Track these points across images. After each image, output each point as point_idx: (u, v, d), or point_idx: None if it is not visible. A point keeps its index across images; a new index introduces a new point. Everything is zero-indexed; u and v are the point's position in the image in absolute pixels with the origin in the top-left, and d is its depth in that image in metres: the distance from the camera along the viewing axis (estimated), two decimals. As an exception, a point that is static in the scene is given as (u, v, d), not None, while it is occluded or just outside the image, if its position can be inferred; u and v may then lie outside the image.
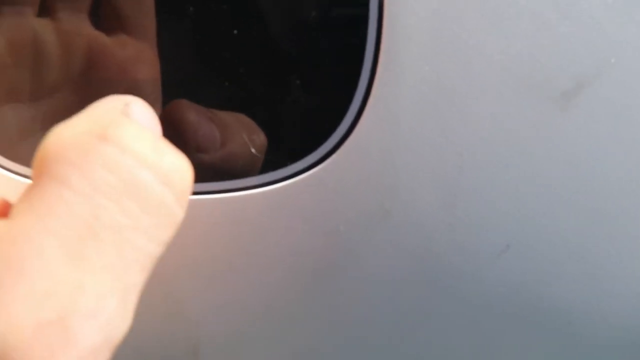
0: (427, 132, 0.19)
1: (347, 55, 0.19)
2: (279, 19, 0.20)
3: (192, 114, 0.20)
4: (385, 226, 0.20)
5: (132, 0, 0.21)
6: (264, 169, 0.20)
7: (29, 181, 0.22)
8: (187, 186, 0.15)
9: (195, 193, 0.21)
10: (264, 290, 0.22)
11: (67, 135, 0.15)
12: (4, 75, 0.22)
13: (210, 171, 0.21)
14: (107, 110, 0.16)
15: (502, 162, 0.19)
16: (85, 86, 0.22)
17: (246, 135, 0.21)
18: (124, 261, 0.14)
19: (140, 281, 0.15)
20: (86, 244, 0.14)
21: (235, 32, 0.20)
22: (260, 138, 0.21)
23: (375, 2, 0.18)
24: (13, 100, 0.22)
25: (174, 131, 0.20)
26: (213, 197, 0.21)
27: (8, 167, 0.22)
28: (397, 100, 0.19)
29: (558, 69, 0.18)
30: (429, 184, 0.19)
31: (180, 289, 0.22)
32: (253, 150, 0.20)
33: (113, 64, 0.21)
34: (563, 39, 0.18)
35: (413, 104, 0.19)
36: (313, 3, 0.19)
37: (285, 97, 0.20)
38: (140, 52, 0.21)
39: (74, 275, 0.13)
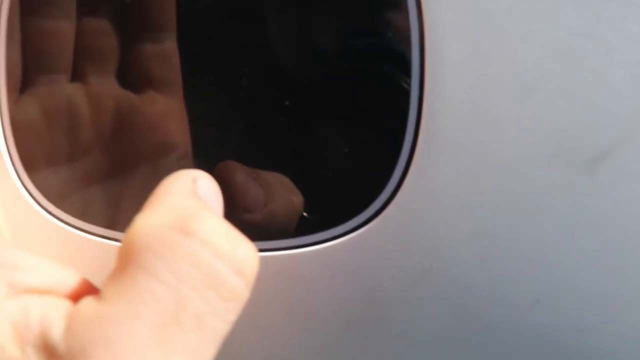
0: (464, 196, 0.20)
1: (390, 125, 0.21)
2: (323, 88, 0.22)
3: (240, 175, 0.22)
4: (425, 282, 0.22)
5: (159, 58, 0.23)
6: (312, 230, 0.22)
7: (72, 230, 0.24)
8: (255, 272, 0.17)
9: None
10: (308, 344, 0.23)
11: (152, 228, 0.16)
12: (43, 141, 0.24)
13: (252, 230, 0.22)
14: (182, 195, 0.18)
15: (533, 223, 0.21)
16: (118, 143, 0.23)
17: (287, 194, 0.22)
18: (202, 343, 0.16)
19: (213, 356, 0.16)
20: (171, 329, 0.15)
21: (286, 102, 0.21)
22: (299, 198, 0.22)
23: (417, 77, 0.20)
24: (52, 164, 0.24)
25: (223, 192, 0.22)
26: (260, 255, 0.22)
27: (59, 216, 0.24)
28: (437, 167, 0.20)
29: (585, 136, 0.20)
30: (466, 243, 0.21)
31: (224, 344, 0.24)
32: (305, 214, 0.22)
33: (143, 121, 0.23)
34: (590, 109, 0.20)
35: (452, 170, 0.20)
36: (356, 75, 0.21)
37: (332, 163, 0.21)
38: (168, 107, 0.23)
39: (160, 358, 0.15)
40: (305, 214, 0.22)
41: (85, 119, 0.23)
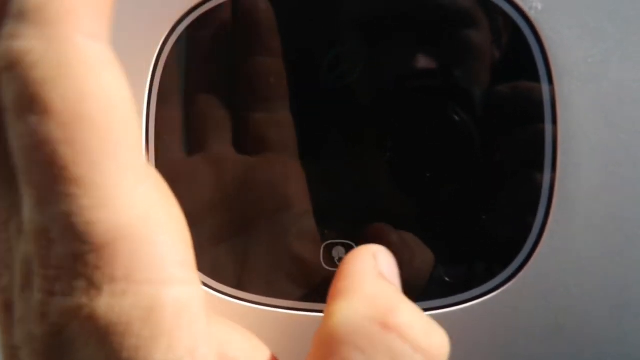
0: (597, 259, 0.22)
1: (526, 192, 0.23)
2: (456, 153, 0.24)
3: (394, 237, 0.23)
4: (559, 339, 0.23)
5: (272, 126, 0.24)
6: (452, 292, 0.23)
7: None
8: (447, 356, 0.18)
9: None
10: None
11: (354, 321, 0.17)
12: None
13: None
14: (372, 278, 0.19)
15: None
16: (239, 204, 0.25)
17: (412, 254, 0.24)
18: None
19: None
20: None
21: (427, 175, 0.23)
22: (428, 257, 0.23)
23: (550, 147, 0.22)
24: None
25: None
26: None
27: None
28: (570, 230, 0.22)
29: None
30: (600, 302, 0.23)
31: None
32: (446, 278, 0.23)
33: (261, 182, 0.24)
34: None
35: (584, 232, 0.22)
36: (491, 145, 0.23)
37: (471, 229, 0.23)
38: (285, 167, 0.24)
39: None
40: (446, 278, 0.23)
41: (206, 184, 0.25)
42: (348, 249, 0.24)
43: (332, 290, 0.20)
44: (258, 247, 0.25)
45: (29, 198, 0.14)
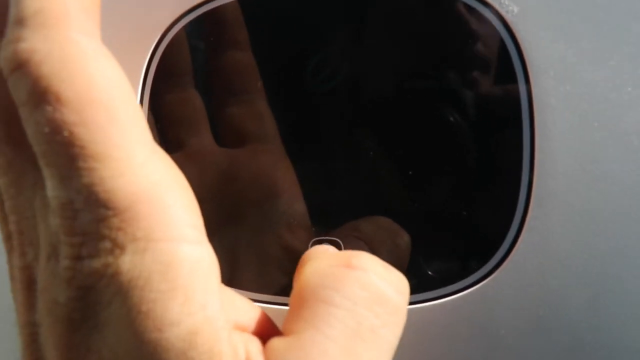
0: (574, 253, 0.23)
1: (506, 188, 0.24)
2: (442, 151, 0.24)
3: (366, 226, 0.24)
4: (539, 329, 0.24)
5: (250, 117, 0.25)
6: (436, 286, 0.24)
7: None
8: (408, 292, 0.20)
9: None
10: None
11: (321, 269, 0.19)
12: None
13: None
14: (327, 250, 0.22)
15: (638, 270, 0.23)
16: (226, 197, 0.25)
17: (391, 239, 0.25)
18: (380, 352, 0.18)
19: None
20: (355, 343, 0.18)
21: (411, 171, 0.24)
22: (405, 239, 0.25)
23: (528, 149, 0.23)
24: None
25: None
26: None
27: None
28: (548, 225, 0.23)
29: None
30: (577, 294, 0.23)
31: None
32: (430, 272, 0.24)
33: (248, 172, 0.25)
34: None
35: (562, 227, 0.23)
36: (474, 145, 0.24)
37: (453, 225, 0.24)
38: (271, 157, 0.25)
39: None
40: (429, 272, 0.24)
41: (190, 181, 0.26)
42: (335, 246, 0.25)
43: (297, 269, 0.22)
44: (248, 240, 0.25)
45: (51, 177, 0.15)
